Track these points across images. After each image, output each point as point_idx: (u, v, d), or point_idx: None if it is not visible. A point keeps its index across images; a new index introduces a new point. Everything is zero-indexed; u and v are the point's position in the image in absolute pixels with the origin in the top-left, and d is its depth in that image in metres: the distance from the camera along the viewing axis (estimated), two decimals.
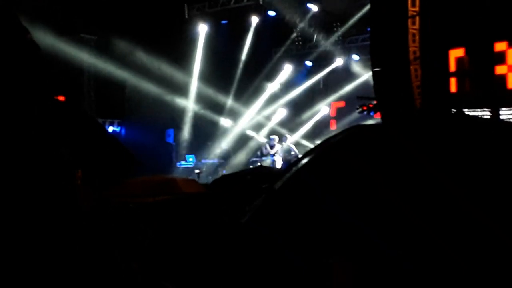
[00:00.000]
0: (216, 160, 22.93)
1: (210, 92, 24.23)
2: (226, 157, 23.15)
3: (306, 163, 4.27)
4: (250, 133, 25.33)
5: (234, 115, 25.19)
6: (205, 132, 24.36)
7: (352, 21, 23.78)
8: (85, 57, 21.49)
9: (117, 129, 23.41)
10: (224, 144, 23.25)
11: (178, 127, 23.80)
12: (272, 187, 4.27)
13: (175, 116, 23.85)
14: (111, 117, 23.09)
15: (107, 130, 21.44)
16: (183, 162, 23.02)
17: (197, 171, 22.06)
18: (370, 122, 21.95)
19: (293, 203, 4.04)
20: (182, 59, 23.56)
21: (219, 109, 24.83)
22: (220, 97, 24.52)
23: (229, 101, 24.91)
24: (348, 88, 25.14)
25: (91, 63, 21.70)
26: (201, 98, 24.52)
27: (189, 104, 24.25)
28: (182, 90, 23.73)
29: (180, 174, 21.87)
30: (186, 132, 23.95)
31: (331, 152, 4.22)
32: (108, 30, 20.94)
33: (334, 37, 25.39)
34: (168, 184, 9.97)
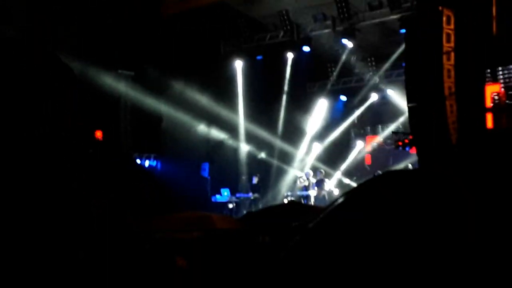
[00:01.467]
0: (250, 194, 22.97)
1: (254, 128, 24.62)
2: (258, 190, 23.18)
3: (339, 204, 4.31)
4: (285, 167, 25.40)
5: (283, 156, 25.42)
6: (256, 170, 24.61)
7: (391, 58, 23.83)
8: (122, 91, 21.85)
9: (154, 163, 23.62)
10: (255, 179, 23.30)
11: (212, 160, 23.98)
12: (305, 226, 4.30)
13: (210, 150, 24.07)
14: (147, 151, 23.34)
15: (144, 166, 21.67)
16: (218, 196, 23.11)
17: (230, 205, 22.13)
18: (407, 158, 21.86)
19: (327, 243, 4.08)
20: (219, 93, 23.83)
21: (260, 146, 25.12)
22: (264, 134, 24.80)
23: (277, 141, 25.19)
24: (385, 123, 25.13)
25: (128, 97, 22.04)
26: (245, 134, 24.86)
27: (241, 144, 24.64)
28: (219, 123, 23.98)
29: (214, 208, 21.96)
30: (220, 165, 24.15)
31: (364, 196, 4.27)
32: (145, 63, 21.29)
33: (369, 73, 25.47)
34: (202, 219, 10.05)
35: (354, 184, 21.72)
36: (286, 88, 25.20)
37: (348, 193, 4.41)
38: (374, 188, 4.29)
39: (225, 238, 8.31)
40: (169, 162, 23.39)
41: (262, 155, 24.90)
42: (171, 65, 21.86)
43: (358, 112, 26.55)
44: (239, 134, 24.92)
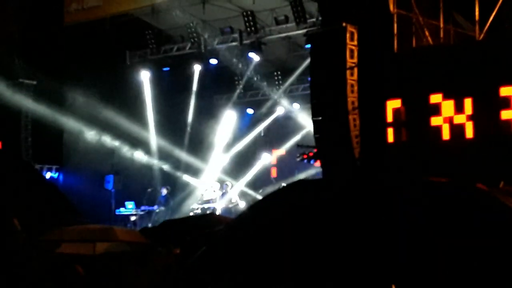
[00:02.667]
0: (155, 207, 22.68)
1: (162, 142, 24.41)
2: (167, 202, 22.93)
3: (250, 213, 4.34)
4: (190, 179, 25.25)
5: (185, 166, 25.24)
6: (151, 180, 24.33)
7: (294, 72, 24.22)
8: (23, 102, 21.22)
9: (55, 175, 23.01)
10: (164, 191, 23.05)
11: (117, 173, 23.56)
12: (214, 236, 4.30)
13: (115, 163, 23.64)
14: (49, 163, 22.71)
15: (45, 177, 21.06)
16: (122, 209, 22.70)
17: (133, 218, 21.81)
18: (311, 170, 22.21)
19: (234, 252, 4.09)
20: (125, 105, 23.51)
21: (167, 158, 24.88)
22: (172, 146, 24.60)
23: (179, 152, 24.98)
24: (289, 136, 25.43)
25: (29, 108, 21.42)
26: (148, 146, 24.60)
27: (148, 157, 24.31)
28: (124, 136, 23.60)
29: (117, 221, 21.57)
30: (125, 178, 23.74)
31: (274, 206, 4.33)
32: (47, 75, 20.76)
33: (275, 86, 25.78)
34: (104, 232, 9.83)
35: (259, 197, 21.83)
36: (193, 100, 25.13)
37: (256, 204, 4.42)
38: (283, 196, 4.35)
39: (129, 251, 8.16)
40: (71, 174, 22.85)
41: (165, 167, 24.67)
42: (74, 75, 21.43)
43: (263, 125, 26.76)
44: (147, 146, 24.63)
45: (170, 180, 24.71)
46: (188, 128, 25.08)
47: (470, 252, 3.87)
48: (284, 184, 20.83)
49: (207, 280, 3.83)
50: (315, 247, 3.87)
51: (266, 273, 3.87)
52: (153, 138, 24.63)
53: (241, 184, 25.08)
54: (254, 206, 4.29)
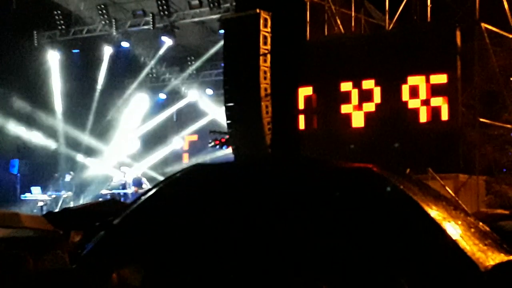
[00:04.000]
0: (61, 193, 22.10)
1: (66, 126, 23.78)
2: (71, 188, 22.39)
3: (148, 198, 4.25)
4: (96, 163, 24.72)
5: (91, 151, 24.67)
6: (54, 165, 23.67)
7: (205, 56, 24.13)
8: None
9: None
10: (67, 177, 22.49)
11: (23, 157, 22.82)
12: (111, 222, 4.19)
13: (21, 147, 22.89)
14: None
15: None
16: (28, 195, 22.02)
17: (40, 203, 21.20)
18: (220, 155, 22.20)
19: (133, 236, 4.00)
20: (31, 88, 22.77)
21: (74, 143, 24.27)
22: (75, 131, 24.01)
23: (86, 137, 24.40)
24: (202, 122, 25.31)
25: None
26: (55, 131, 23.93)
27: (55, 141, 23.61)
28: (31, 119, 22.87)
29: (23, 206, 20.91)
30: (31, 163, 23.04)
31: (171, 187, 4.28)
32: None
33: (187, 71, 25.58)
34: (8, 217, 9.46)
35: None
36: (101, 82, 24.55)
37: (154, 188, 4.38)
38: (184, 179, 4.32)
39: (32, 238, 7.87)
40: None
41: (71, 151, 24.04)
42: None
43: (174, 109, 26.52)
44: (53, 130, 23.95)
45: (76, 165, 24.16)
46: (93, 112, 24.50)
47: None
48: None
49: (107, 269, 3.72)
50: (212, 230, 3.89)
51: (168, 260, 3.81)
52: (60, 122, 23.97)
53: (145, 166, 24.73)
54: (153, 192, 4.22)
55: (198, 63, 25.09)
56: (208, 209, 3.97)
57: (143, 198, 4.24)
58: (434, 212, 4.06)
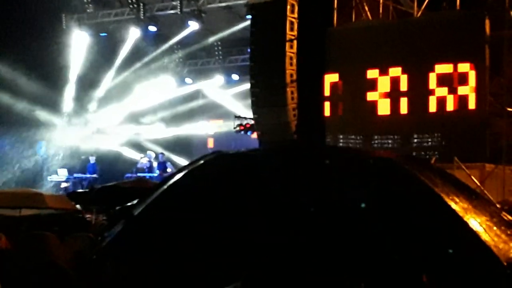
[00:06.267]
0: (87, 175, 22.28)
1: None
2: (96, 171, 22.55)
3: (167, 187, 4.25)
4: (124, 149, 24.93)
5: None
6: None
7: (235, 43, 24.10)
8: None
9: None
10: (92, 159, 22.63)
11: (49, 140, 23.06)
12: (131, 212, 4.20)
13: (44, 129, 23.14)
14: None
15: None
16: (54, 176, 22.24)
17: (64, 184, 21.42)
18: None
19: (153, 229, 4.02)
20: (57, 71, 22.95)
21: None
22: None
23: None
24: (228, 106, 25.33)
25: None
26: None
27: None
28: (50, 103, 23.04)
29: (50, 188, 21.15)
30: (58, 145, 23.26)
31: (189, 177, 4.27)
32: None
33: (214, 57, 25.60)
34: (33, 198, 9.59)
35: None
36: (118, 63, 24.61)
37: (172, 177, 4.39)
38: (205, 168, 4.31)
39: (56, 218, 7.98)
40: (2, 139, 22.27)
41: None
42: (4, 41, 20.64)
43: (201, 94, 26.60)
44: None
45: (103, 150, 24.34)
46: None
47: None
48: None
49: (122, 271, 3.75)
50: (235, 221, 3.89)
51: (191, 253, 3.80)
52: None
53: (170, 150, 24.88)
54: (172, 181, 4.23)
55: (225, 49, 25.06)
56: (231, 199, 3.96)
57: (164, 187, 4.23)
58: (456, 204, 4.01)
